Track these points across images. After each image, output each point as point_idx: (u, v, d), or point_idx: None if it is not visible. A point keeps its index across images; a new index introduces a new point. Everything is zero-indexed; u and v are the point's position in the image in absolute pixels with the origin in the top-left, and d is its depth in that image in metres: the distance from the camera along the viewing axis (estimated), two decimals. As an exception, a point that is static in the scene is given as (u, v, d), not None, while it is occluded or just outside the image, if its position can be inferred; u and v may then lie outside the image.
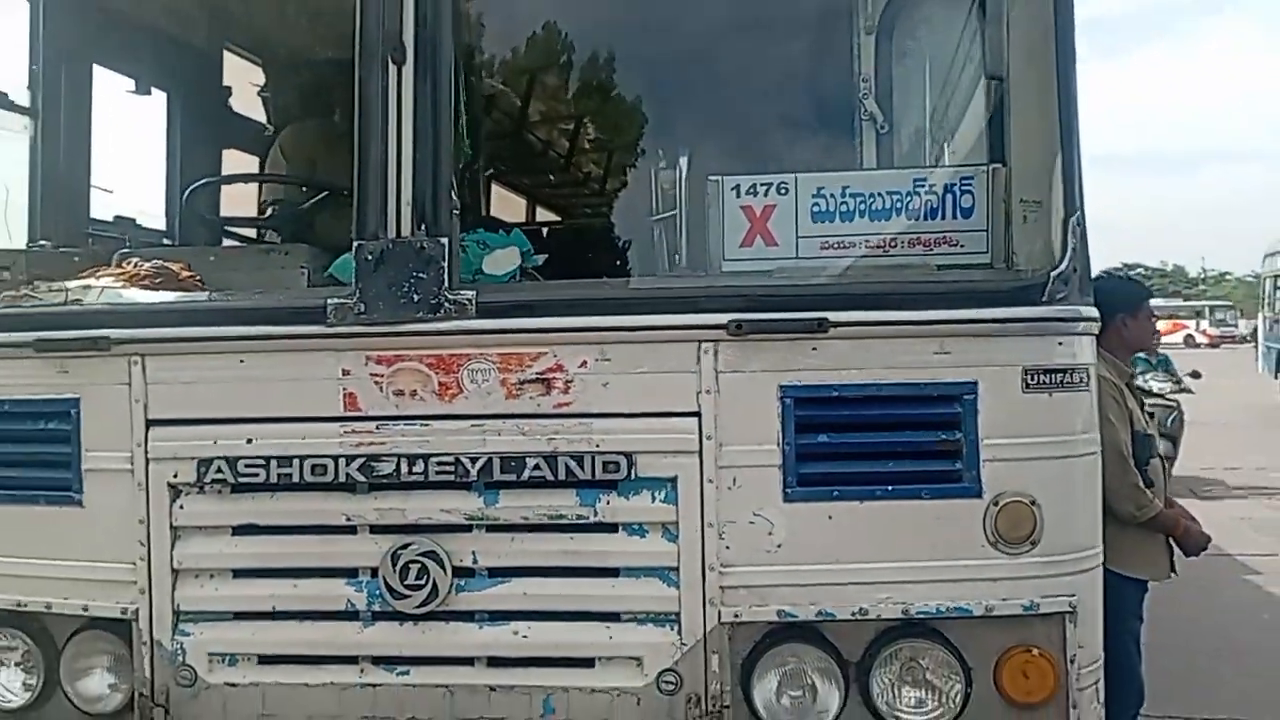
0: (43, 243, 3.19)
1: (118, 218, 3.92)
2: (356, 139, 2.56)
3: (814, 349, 2.45)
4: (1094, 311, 2.58)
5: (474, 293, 2.51)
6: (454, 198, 2.58)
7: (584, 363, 2.49)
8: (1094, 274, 2.69)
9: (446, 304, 2.49)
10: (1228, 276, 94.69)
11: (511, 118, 4.41)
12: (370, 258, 2.51)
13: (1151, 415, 4.07)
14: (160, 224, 4.23)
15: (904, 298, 2.48)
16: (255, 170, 4.51)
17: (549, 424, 2.50)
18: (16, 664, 2.73)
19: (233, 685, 2.58)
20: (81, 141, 3.67)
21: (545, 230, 4.78)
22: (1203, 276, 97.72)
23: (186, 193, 3.77)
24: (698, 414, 2.46)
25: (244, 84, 4.57)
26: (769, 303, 2.49)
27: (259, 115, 4.65)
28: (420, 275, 2.49)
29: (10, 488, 2.70)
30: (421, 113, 2.53)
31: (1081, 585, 2.51)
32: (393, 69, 2.52)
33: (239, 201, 4.40)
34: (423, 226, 2.52)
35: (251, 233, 4.19)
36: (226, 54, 4.42)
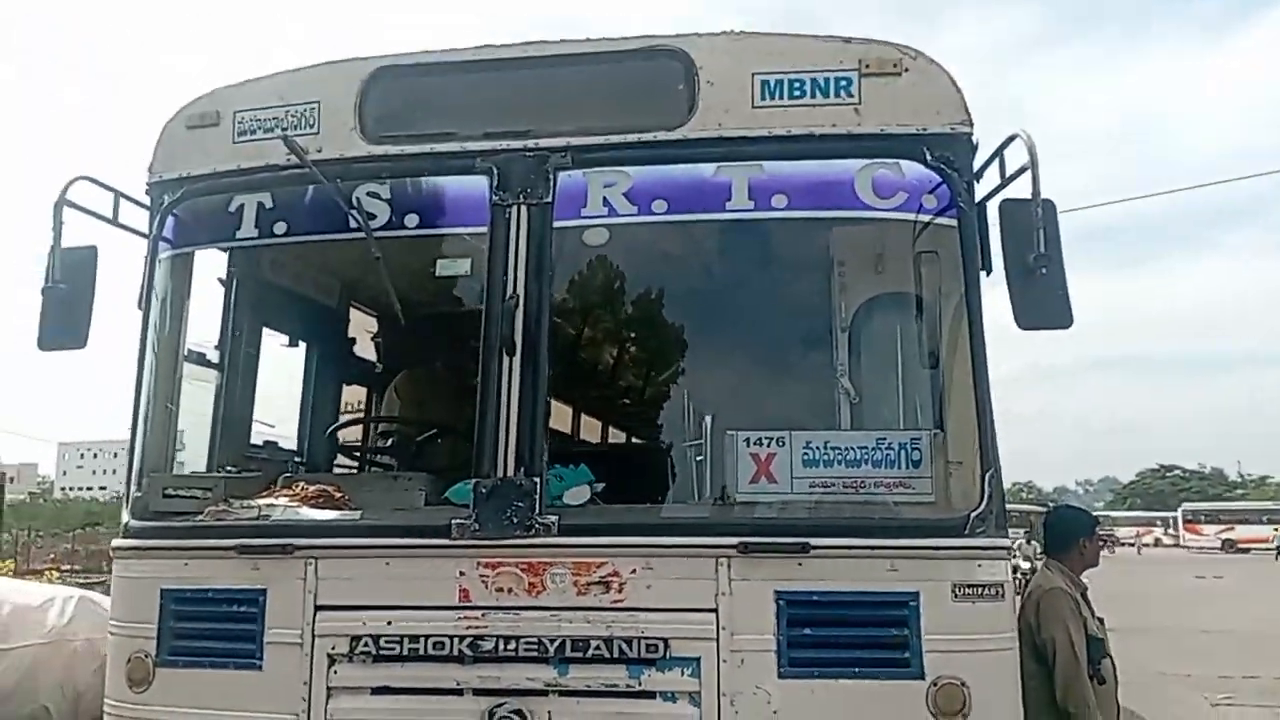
0: (229, 468, 4.22)
1: (266, 442, 5.00)
2: (478, 405, 3.57)
3: (800, 564, 3.35)
4: (1007, 542, 3.48)
5: (557, 517, 3.47)
6: (545, 449, 3.58)
7: (634, 570, 3.40)
8: (1056, 504, 3.57)
9: (537, 525, 3.44)
10: (1269, 480, 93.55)
11: (578, 376, 5.52)
12: (484, 490, 3.49)
13: (1101, 621, 4.83)
14: (293, 445, 5.29)
15: (864, 529, 3.40)
16: (366, 403, 5.64)
17: (607, 615, 3.37)
18: None
19: None
20: (250, 387, 4.79)
21: (601, 453, 5.82)
22: (1241, 480, 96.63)
23: (331, 429, 4.85)
24: (715, 610, 3.34)
25: (360, 332, 5.74)
26: (768, 530, 3.41)
27: (372, 356, 5.79)
28: (519, 504, 3.46)
29: (208, 655, 3.61)
30: (525, 389, 3.56)
31: None
32: (506, 359, 3.59)
33: (353, 430, 5.49)
34: (521, 469, 3.51)
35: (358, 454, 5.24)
36: (352, 310, 5.59)
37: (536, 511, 3.46)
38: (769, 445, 3.65)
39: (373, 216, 3.86)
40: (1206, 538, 65.38)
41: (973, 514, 3.39)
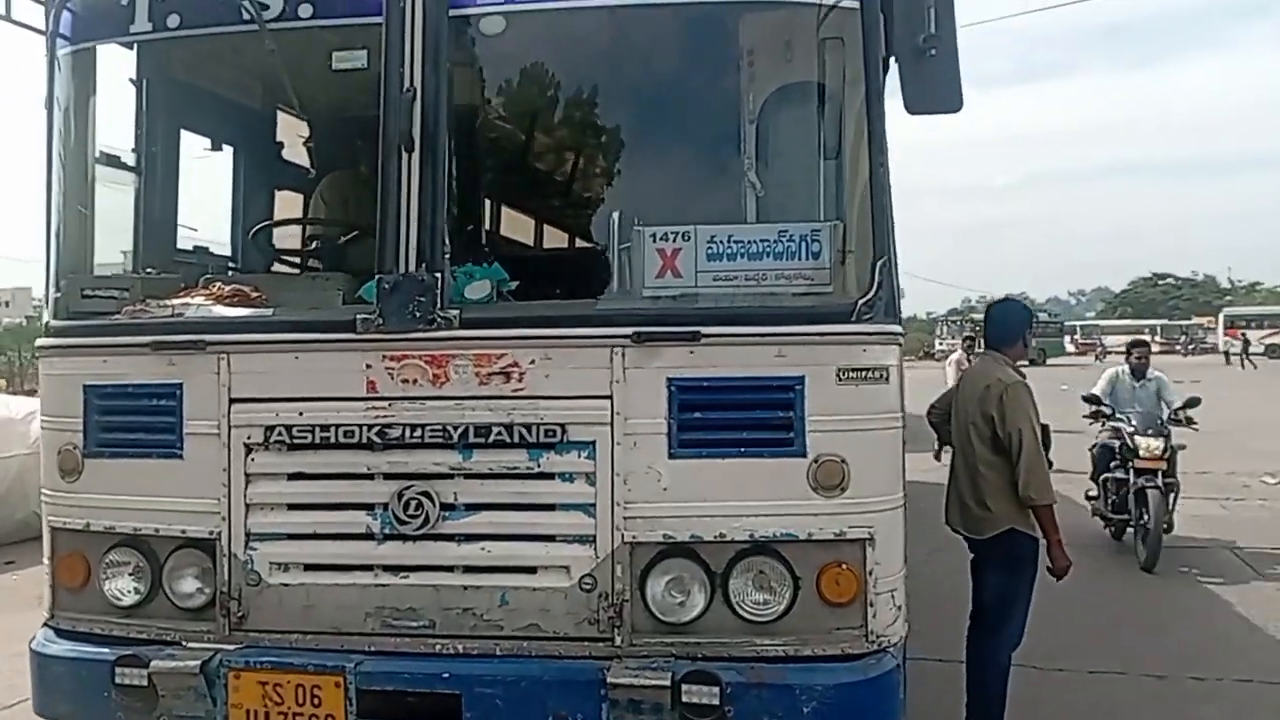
0: (149, 270, 4.27)
1: (196, 247, 5.03)
2: (379, 202, 3.58)
3: (691, 352, 3.45)
4: (897, 329, 3.56)
5: (458, 311, 3.53)
6: (445, 244, 3.61)
7: (533, 361, 3.50)
8: (1003, 296, 3.59)
9: (439, 319, 3.52)
10: (1259, 286, 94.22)
11: (487, 174, 5.48)
12: (387, 286, 3.54)
13: None
14: (226, 251, 5.33)
15: (753, 317, 3.48)
16: (300, 208, 5.62)
17: (508, 403, 3.49)
18: (129, 575, 3.80)
19: (286, 585, 3.63)
20: (171, 190, 4.78)
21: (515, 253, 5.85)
22: (1232, 286, 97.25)
23: (252, 232, 4.87)
24: (610, 397, 3.46)
25: (292, 136, 5.66)
26: (661, 320, 3.49)
27: (304, 161, 5.74)
28: (421, 299, 3.52)
29: (131, 446, 3.78)
30: (425, 185, 3.56)
31: (879, 521, 3.47)
32: (405, 155, 3.57)
33: (287, 234, 5.50)
34: (423, 265, 3.55)
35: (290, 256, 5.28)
36: (280, 114, 5.50)
37: (438, 306, 3.53)
38: (674, 240, 3.68)
39: (265, 7, 3.74)
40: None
41: (860, 301, 3.46)
